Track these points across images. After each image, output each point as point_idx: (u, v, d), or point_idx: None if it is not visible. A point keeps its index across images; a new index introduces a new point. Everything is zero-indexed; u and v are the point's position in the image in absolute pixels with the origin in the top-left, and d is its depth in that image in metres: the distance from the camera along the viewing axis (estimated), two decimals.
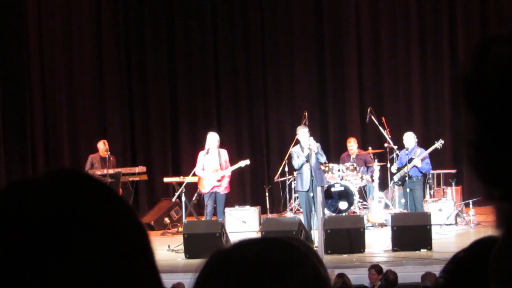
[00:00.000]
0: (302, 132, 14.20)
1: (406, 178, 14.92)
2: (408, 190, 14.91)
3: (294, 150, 14.35)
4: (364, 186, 16.56)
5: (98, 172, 16.29)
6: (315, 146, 14.02)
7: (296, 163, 14.25)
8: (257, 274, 1.32)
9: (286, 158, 16.47)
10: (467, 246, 1.80)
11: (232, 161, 15.15)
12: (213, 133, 15.07)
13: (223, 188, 14.66)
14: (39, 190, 1.13)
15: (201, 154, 14.90)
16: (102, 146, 16.93)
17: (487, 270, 1.71)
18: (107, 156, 16.58)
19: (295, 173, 15.45)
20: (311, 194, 13.93)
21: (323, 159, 14.19)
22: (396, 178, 15.23)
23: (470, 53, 1.03)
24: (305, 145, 14.06)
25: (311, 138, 14.18)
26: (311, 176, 13.92)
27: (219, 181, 14.58)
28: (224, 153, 14.90)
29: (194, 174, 14.88)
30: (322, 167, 14.51)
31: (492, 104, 1.01)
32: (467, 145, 1.05)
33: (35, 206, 1.11)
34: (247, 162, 15.15)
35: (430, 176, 16.50)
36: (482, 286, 1.73)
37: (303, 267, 1.35)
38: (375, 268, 10.40)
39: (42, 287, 1.06)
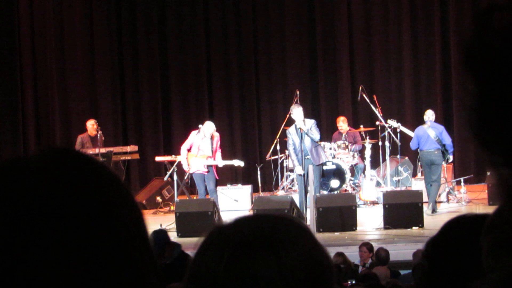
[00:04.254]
0: (297, 111, 13.93)
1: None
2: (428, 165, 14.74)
3: (289, 131, 14.12)
4: (355, 165, 16.57)
5: (90, 152, 16.26)
6: (303, 126, 13.83)
7: (290, 152, 14.11)
8: (251, 249, 1.34)
9: (277, 136, 16.46)
10: (441, 227, 1.82)
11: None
12: (210, 123, 14.95)
13: (209, 172, 14.55)
14: (34, 168, 1.13)
15: (193, 134, 14.82)
16: (91, 126, 16.85)
17: (474, 243, 1.72)
18: (99, 134, 16.56)
19: (286, 151, 15.45)
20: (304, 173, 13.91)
21: (316, 137, 13.91)
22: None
23: (472, 20, 1.03)
24: (299, 125, 13.93)
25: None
26: (304, 156, 13.84)
27: (205, 166, 14.48)
28: (217, 137, 14.77)
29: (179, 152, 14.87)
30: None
31: (494, 70, 1.01)
32: (469, 112, 1.05)
33: (30, 184, 1.10)
34: (241, 163, 15.10)
35: None
36: (460, 263, 1.74)
37: (299, 244, 1.36)
38: (366, 246, 10.43)
39: (42, 264, 1.06)
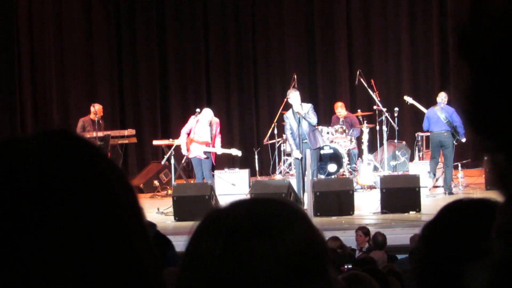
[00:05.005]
0: (294, 96, 13.86)
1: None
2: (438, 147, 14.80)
3: (286, 115, 14.09)
4: (352, 149, 16.56)
5: (88, 135, 16.24)
6: (301, 110, 13.78)
7: (288, 137, 14.08)
8: (246, 233, 1.33)
9: (275, 120, 16.44)
10: (438, 211, 1.82)
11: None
12: (207, 109, 14.93)
13: (208, 158, 14.55)
14: (30, 148, 1.12)
15: (192, 118, 14.80)
16: (98, 109, 16.82)
17: (471, 227, 1.72)
18: (96, 119, 16.52)
19: (284, 136, 15.44)
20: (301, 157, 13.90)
21: (314, 121, 13.89)
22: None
23: (468, 3, 1.03)
24: (296, 109, 13.89)
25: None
26: (302, 140, 13.80)
27: (205, 152, 14.47)
28: (216, 124, 14.72)
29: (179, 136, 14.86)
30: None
31: (489, 54, 1.01)
32: (463, 97, 1.05)
33: (26, 164, 1.10)
34: (239, 153, 15.08)
35: (419, 138, 16.54)
36: (457, 248, 1.74)
37: (295, 228, 1.35)
38: (362, 230, 10.43)
39: (40, 244, 1.06)
